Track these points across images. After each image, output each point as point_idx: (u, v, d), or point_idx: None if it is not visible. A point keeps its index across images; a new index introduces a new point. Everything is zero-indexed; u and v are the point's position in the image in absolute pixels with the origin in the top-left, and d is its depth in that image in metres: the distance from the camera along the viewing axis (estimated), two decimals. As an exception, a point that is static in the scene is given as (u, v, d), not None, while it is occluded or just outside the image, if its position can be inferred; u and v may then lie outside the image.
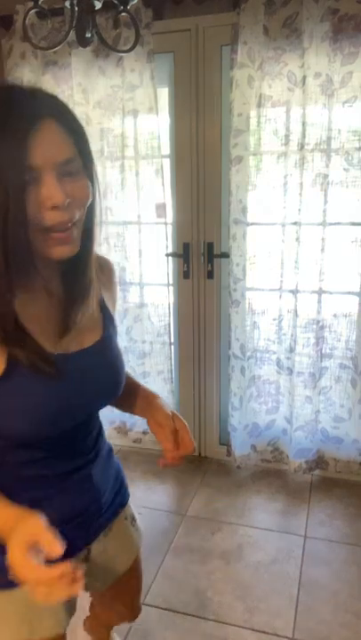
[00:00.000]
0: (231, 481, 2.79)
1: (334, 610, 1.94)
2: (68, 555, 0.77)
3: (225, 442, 2.90)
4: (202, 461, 2.97)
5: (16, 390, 0.85)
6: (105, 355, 0.99)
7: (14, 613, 1.00)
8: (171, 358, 2.86)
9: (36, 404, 0.87)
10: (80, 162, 0.83)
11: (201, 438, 3.01)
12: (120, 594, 1.39)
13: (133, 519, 1.29)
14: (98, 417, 1.10)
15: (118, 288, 1.38)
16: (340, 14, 2.17)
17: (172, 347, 2.89)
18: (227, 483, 2.77)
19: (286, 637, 1.86)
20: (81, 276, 0.92)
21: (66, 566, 0.74)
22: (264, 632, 1.88)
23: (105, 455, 1.13)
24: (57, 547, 0.75)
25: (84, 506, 1.06)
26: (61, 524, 0.81)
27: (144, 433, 2.97)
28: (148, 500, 2.63)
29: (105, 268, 1.08)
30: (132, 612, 1.49)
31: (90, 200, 0.85)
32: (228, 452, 2.84)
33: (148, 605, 2.00)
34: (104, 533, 1.15)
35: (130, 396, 1.14)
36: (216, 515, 2.51)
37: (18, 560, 0.75)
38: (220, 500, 2.63)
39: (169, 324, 2.83)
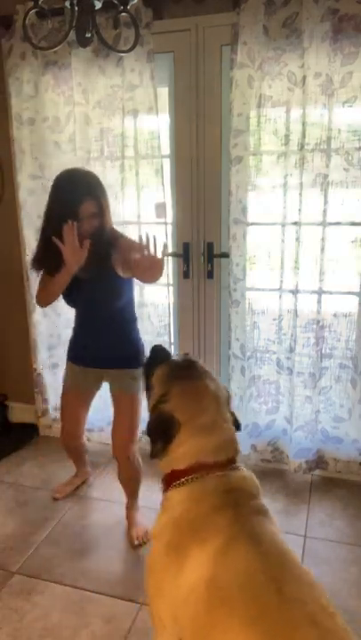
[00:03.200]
0: (231, 481, 2.78)
1: (334, 610, 1.94)
2: (89, 363, 2.32)
3: (225, 442, 2.90)
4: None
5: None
6: (102, 282, 2.15)
7: (66, 371, 2.41)
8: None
9: (71, 299, 2.26)
10: (98, 211, 2.07)
11: (201, 438, 3.00)
12: (115, 419, 2.33)
13: (135, 379, 2.22)
14: (115, 309, 2.22)
15: (125, 239, 2.22)
16: (340, 14, 2.17)
17: (172, 347, 2.89)
18: (227, 483, 2.77)
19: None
20: (97, 245, 2.06)
21: None
22: (264, 632, 1.88)
23: (118, 336, 2.26)
24: None
25: (93, 344, 2.28)
26: (84, 344, 2.32)
27: (144, 433, 2.97)
28: (148, 499, 2.63)
29: (116, 241, 2.17)
30: (120, 449, 2.31)
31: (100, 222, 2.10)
32: (228, 452, 2.84)
33: (148, 605, 2.00)
34: (114, 370, 2.28)
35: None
36: (216, 515, 2.51)
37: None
38: (220, 499, 2.62)
39: (169, 324, 2.83)
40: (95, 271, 2.10)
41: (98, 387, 2.42)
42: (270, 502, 2.60)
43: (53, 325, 3.01)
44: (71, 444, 2.57)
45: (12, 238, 3.05)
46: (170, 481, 1.38)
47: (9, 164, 2.92)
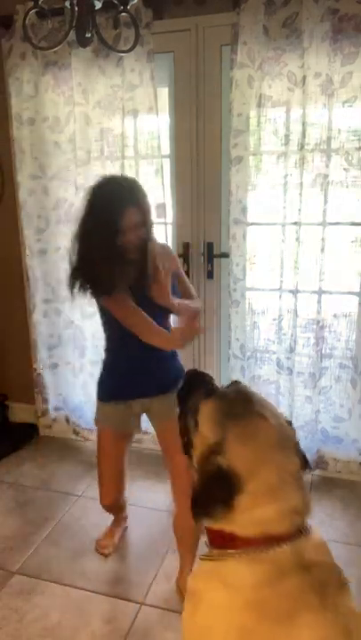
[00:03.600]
0: (231, 481, 2.78)
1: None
2: (138, 394, 1.98)
3: (225, 442, 2.90)
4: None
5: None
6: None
7: (104, 414, 2.05)
8: (171, 358, 2.86)
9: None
10: (144, 220, 1.80)
11: (201, 438, 3.00)
12: (166, 441, 2.02)
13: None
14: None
15: (175, 256, 2.09)
16: (340, 14, 2.17)
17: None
18: (227, 483, 2.77)
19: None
20: (145, 264, 1.84)
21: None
22: (264, 632, 1.88)
23: (165, 358, 1.97)
24: None
25: (144, 371, 1.95)
26: (133, 374, 1.92)
27: (145, 433, 2.96)
28: (148, 499, 2.63)
29: (163, 250, 1.99)
30: (182, 478, 1.92)
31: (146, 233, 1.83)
32: (228, 452, 2.84)
33: (149, 605, 2.00)
34: (163, 396, 1.97)
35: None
36: (216, 515, 2.51)
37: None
38: (220, 499, 2.62)
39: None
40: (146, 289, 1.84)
41: (139, 427, 2.14)
42: (270, 502, 2.60)
43: (53, 325, 3.01)
44: (114, 506, 2.24)
45: (12, 238, 3.05)
46: (223, 542, 1.10)
47: (9, 164, 2.92)
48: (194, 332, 1.88)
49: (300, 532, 1.08)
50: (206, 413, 1.14)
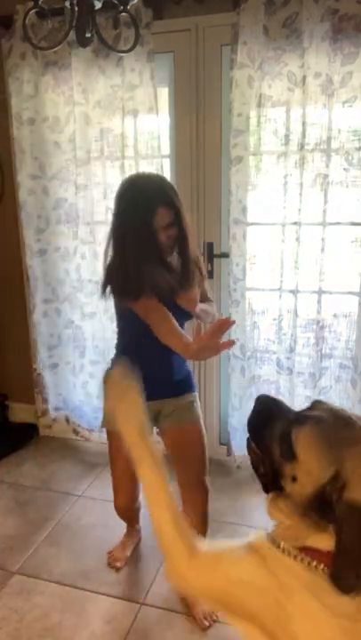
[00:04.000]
0: (231, 481, 2.79)
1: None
2: (152, 395, 1.44)
3: (225, 442, 2.90)
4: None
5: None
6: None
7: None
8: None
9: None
10: (175, 220, 1.74)
11: (201, 438, 3.01)
12: (180, 454, 1.97)
13: (193, 403, 1.98)
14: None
15: (205, 272, 2.04)
16: (340, 14, 2.17)
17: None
18: (227, 483, 2.77)
19: (286, 637, 1.86)
20: (185, 265, 1.82)
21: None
22: (264, 632, 1.88)
23: (182, 358, 1.89)
24: None
25: (157, 373, 1.83)
26: (144, 378, 1.39)
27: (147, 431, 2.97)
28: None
29: (199, 263, 1.93)
30: (192, 487, 1.99)
31: (178, 234, 1.78)
32: (228, 452, 2.84)
33: (148, 605, 2.00)
34: (175, 399, 1.94)
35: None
36: (216, 515, 2.51)
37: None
38: (220, 499, 2.62)
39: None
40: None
41: (151, 431, 1.97)
42: (270, 502, 2.60)
43: (53, 325, 3.01)
44: (129, 513, 2.23)
45: (12, 238, 3.05)
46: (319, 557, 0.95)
47: (9, 164, 2.92)
48: (214, 350, 1.65)
49: None
50: (308, 441, 0.97)
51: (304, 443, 0.97)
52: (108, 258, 1.79)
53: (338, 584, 0.87)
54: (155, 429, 2.01)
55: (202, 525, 2.00)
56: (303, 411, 1.08)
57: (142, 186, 1.75)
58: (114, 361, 2.00)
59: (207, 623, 1.91)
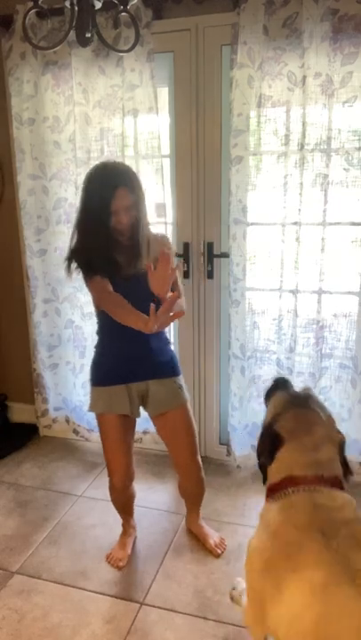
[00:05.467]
0: (231, 481, 2.79)
1: None
2: (135, 377, 2.01)
3: (225, 442, 2.90)
4: (202, 461, 2.97)
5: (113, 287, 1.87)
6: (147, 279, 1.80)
7: (102, 399, 2.04)
8: (171, 358, 2.86)
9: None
10: (135, 203, 1.85)
11: (201, 438, 3.01)
12: (170, 431, 2.12)
13: (181, 387, 2.10)
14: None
15: (171, 250, 2.02)
16: (340, 14, 2.17)
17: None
18: (227, 483, 2.77)
19: (286, 637, 1.86)
20: (138, 242, 1.92)
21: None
22: (264, 632, 1.88)
23: (163, 344, 2.07)
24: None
25: (138, 352, 1.99)
26: (129, 357, 1.96)
27: (144, 433, 2.97)
28: (148, 499, 2.63)
29: (160, 240, 2.04)
30: (187, 466, 2.18)
31: (138, 217, 1.89)
32: (228, 452, 2.84)
33: (148, 605, 2.00)
34: (158, 381, 2.05)
35: None
36: (216, 515, 2.51)
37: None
38: (220, 499, 2.63)
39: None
40: (141, 269, 1.89)
41: (138, 411, 2.10)
42: (270, 502, 2.60)
43: (53, 325, 3.01)
44: (125, 495, 2.24)
45: (12, 238, 3.05)
46: (268, 494, 1.47)
47: (9, 164, 2.92)
48: (168, 323, 1.76)
49: (324, 483, 1.38)
50: (278, 398, 1.60)
51: (275, 399, 1.61)
52: (74, 241, 1.93)
53: (258, 461, 1.54)
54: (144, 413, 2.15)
55: (199, 491, 2.29)
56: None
57: (107, 170, 1.88)
58: (98, 346, 2.08)
59: (220, 550, 2.26)
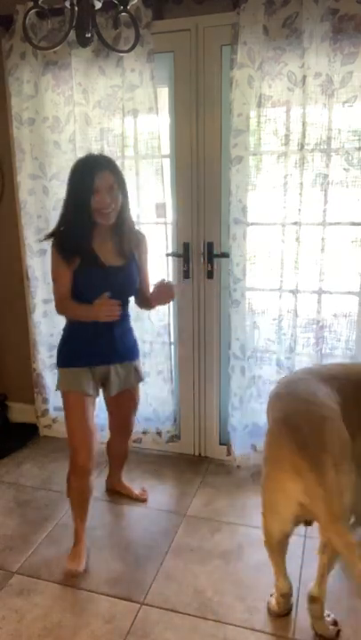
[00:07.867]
0: (231, 481, 2.79)
1: (335, 609, 1.94)
2: (99, 361, 2.19)
3: (225, 442, 2.90)
4: (202, 461, 2.98)
5: (86, 275, 2.09)
6: (125, 270, 2.14)
7: (67, 379, 2.18)
8: (171, 358, 2.86)
9: (92, 284, 2.07)
10: (117, 187, 2.02)
11: (201, 438, 3.01)
12: (121, 406, 2.38)
13: (137, 369, 2.32)
14: (125, 307, 2.19)
15: (147, 247, 2.27)
16: (340, 14, 2.17)
17: (172, 346, 2.89)
18: (227, 483, 2.77)
19: (286, 637, 1.86)
20: (120, 233, 2.12)
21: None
22: (264, 632, 1.88)
23: (126, 330, 2.25)
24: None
25: (102, 338, 2.15)
26: (93, 342, 2.15)
27: (144, 433, 2.97)
28: (148, 499, 2.63)
29: (139, 236, 2.23)
30: (127, 428, 2.47)
31: (120, 203, 2.05)
32: (228, 452, 2.84)
33: (148, 605, 2.00)
34: (120, 365, 2.25)
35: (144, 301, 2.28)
36: (216, 515, 2.51)
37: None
38: (220, 499, 2.63)
39: (169, 324, 2.82)
40: (120, 259, 2.13)
41: (98, 392, 2.26)
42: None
43: (53, 325, 3.01)
44: (85, 482, 2.18)
45: (12, 238, 3.05)
46: None
47: (9, 164, 2.92)
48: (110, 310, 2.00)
49: None
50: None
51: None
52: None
53: None
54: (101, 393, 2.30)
55: (127, 452, 2.58)
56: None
57: (90, 156, 2.11)
58: (66, 329, 2.23)
59: (145, 496, 2.61)
